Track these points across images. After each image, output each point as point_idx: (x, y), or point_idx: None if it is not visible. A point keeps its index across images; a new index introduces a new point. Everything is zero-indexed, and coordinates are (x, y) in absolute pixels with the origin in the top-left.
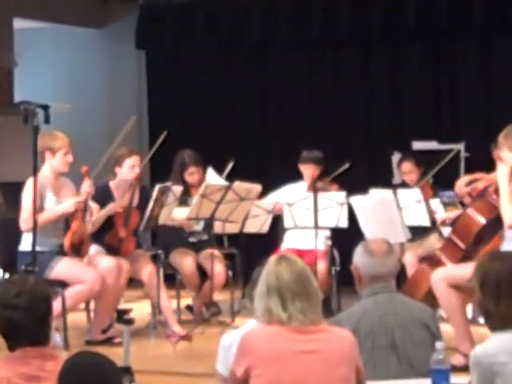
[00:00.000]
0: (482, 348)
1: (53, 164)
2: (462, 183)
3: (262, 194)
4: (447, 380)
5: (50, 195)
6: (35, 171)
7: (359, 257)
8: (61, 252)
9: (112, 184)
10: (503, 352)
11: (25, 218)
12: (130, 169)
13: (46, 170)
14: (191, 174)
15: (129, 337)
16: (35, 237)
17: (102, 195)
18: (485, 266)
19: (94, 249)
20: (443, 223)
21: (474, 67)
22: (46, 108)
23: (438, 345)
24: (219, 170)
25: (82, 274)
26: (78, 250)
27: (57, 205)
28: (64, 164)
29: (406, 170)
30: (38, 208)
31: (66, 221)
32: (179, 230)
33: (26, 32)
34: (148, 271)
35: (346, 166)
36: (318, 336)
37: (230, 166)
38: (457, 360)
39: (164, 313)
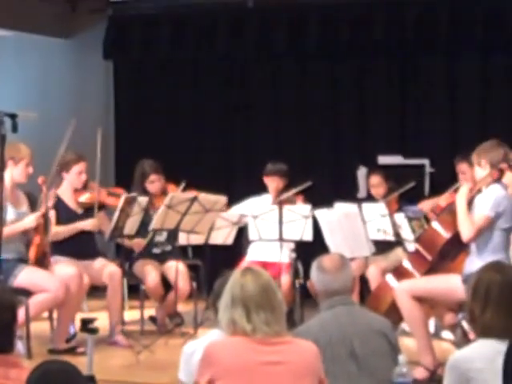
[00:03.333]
0: (462, 352)
1: (13, 174)
2: (422, 206)
3: (227, 207)
4: None
5: (9, 207)
6: (1, 178)
7: (313, 273)
8: (24, 259)
9: (60, 192)
10: (481, 358)
11: None
12: (77, 175)
13: (6, 181)
14: (152, 183)
15: (92, 346)
16: (0, 245)
17: (56, 204)
18: (481, 273)
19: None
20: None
21: (438, 83)
22: (13, 117)
23: (401, 358)
24: (182, 179)
25: (46, 283)
26: (42, 263)
27: (16, 216)
28: (25, 175)
29: (374, 183)
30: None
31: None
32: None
33: None
34: (110, 271)
35: (309, 183)
36: (283, 347)
37: (181, 186)
38: (419, 373)
39: (110, 319)
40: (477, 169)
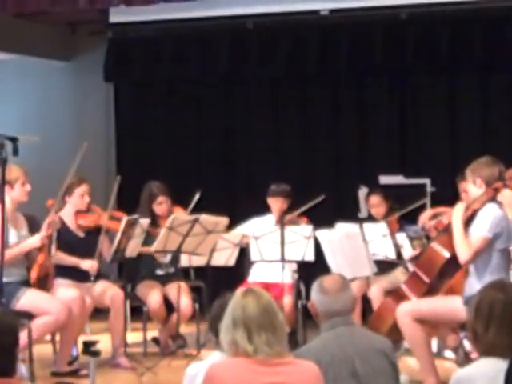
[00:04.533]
0: (464, 371)
1: (12, 196)
2: (425, 217)
3: (229, 228)
4: None
5: (10, 229)
6: (3, 202)
7: (314, 294)
8: (26, 282)
9: (62, 214)
10: (483, 377)
11: None
12: (80, 197)
13: (6, 205)
14: (160, 204)
15: (95, 369)
16: (2, 268)
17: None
18: (483, 292)
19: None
20: (411, 261)
21: (438, 102)
22: (14, 140)
23: (402, 378)
24: (185, 202)
25: (48, 305)
26: (44, 283)
27: (17, 238)
28: (23, 194)
29: (373, 203)
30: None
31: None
32: (147, 263)
33: None
34: (112, 294)
35: (321, 198)
36: (284, 368)
37: (196, 197)
38: None
39: (113, 341)
40: (471, 186)
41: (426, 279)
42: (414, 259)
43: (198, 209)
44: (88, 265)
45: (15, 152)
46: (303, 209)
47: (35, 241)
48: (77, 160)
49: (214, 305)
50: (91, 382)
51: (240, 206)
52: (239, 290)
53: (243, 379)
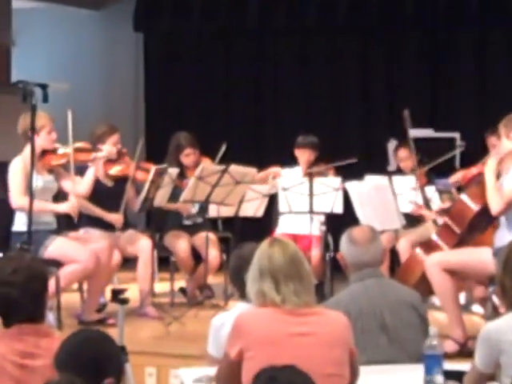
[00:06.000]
0: (494, 324)
1: (37, 143)
2: (456, 177)
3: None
4: (440, 365)
5: (35, 175)
6: (33, 149)
7: (344, 245)
8: (55, 231)
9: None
10: None
11: (15, 198)
12: (113, 146)
13: (25, 152)
14: (187, 156)
15: (123, 316)
16: (31, 215)
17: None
18: (511, 246)
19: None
20: (439, 213)
21: (470, 56)
22: (44, 87)
23: (432, 331)
24: (213, 153)
25: (76, 254)
26: None
27: (43, 183)
28: (49, 142)
29: (402, 156)
30: (25, 188)
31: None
32: (174, 213)
33: (24, 12)
34: (141, 243)
35: (354, 160)
36: (312, 319)
37: (222, 149)
38: (448, 346)
39: (141, 291)
40: (504, 141)
41: (457, 230)
42: (443, 212)
43: (225, 160)
44: (114, 217)
45: (45, 99)
46: (333, 165)
47: (63, 208)
48: (69, 129)
49: (232, 256)
50: (119, 330)
51: (267, 157)
52: (265, 241)
53: (271, 329)
